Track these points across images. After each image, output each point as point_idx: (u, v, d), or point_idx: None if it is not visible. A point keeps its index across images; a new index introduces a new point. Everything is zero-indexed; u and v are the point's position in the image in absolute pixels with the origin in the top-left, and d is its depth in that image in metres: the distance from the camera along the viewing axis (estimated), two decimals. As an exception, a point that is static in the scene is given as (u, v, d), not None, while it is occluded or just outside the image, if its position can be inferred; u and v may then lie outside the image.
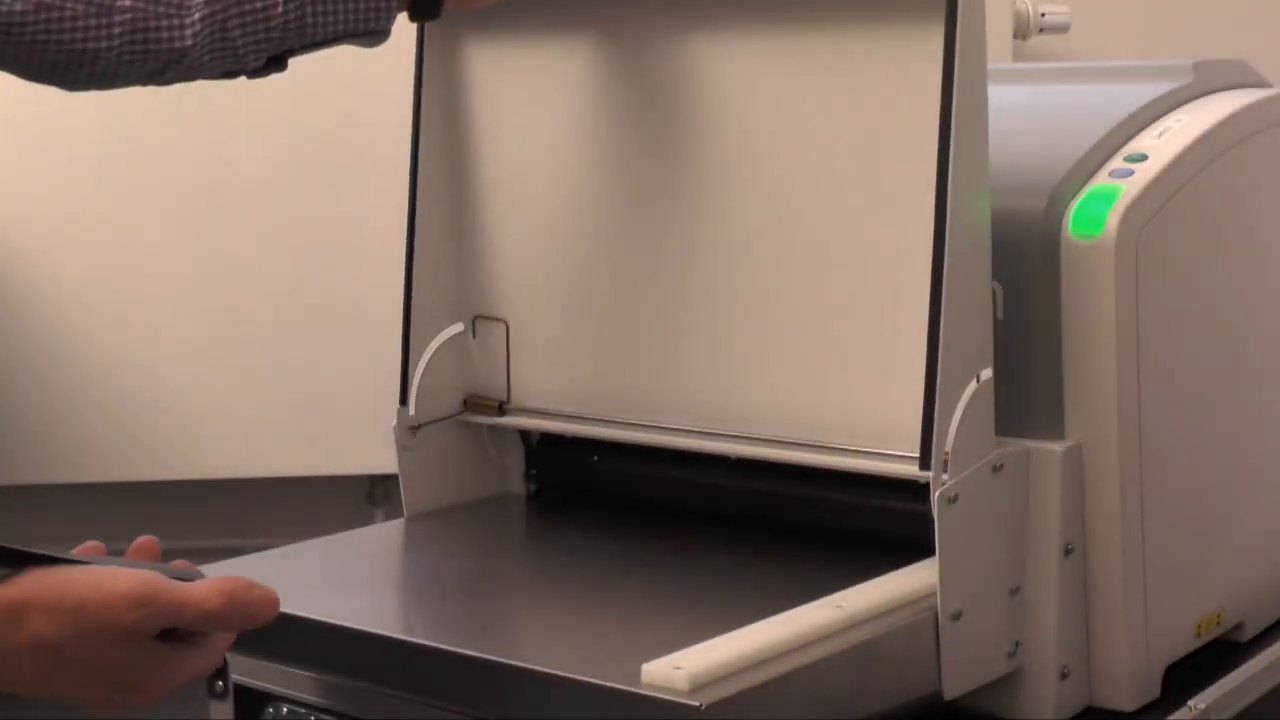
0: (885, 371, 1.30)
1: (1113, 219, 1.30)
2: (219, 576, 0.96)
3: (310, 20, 1.30)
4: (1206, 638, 1.45)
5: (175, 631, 0.95)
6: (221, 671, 1.05)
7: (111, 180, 3.27)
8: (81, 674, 0.93)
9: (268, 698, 1.35)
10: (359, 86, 3.30)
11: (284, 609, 1.21)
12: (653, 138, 1.44)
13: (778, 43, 1.37)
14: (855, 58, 1.33)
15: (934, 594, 1.20)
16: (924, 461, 1.21)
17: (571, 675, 1.08)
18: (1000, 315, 1.30)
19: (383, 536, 1.54)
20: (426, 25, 1.52)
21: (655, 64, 1.44)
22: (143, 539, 1.03)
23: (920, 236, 1.25)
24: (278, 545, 1.41)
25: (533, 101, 1.51)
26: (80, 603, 0.91)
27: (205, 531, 3.30)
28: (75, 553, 0.99)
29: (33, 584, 0.92)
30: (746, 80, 1.39)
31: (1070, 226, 1.31)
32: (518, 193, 1.53)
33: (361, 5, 1.31)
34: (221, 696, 1.08)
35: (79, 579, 0.92)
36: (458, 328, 1.55)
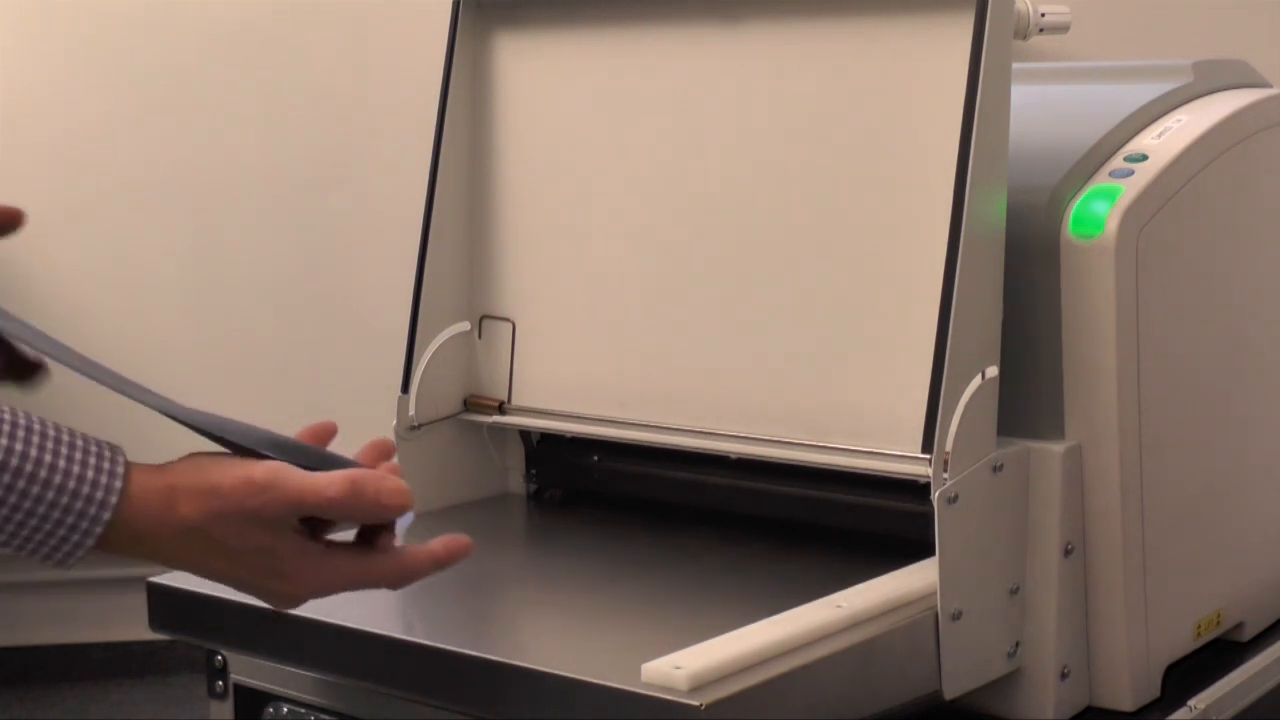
0: (886, 370, 1.31)
1: (1113, 219, 1.30)
2: (353, 469, 1.00)
3: None
4: (1206, 638, 1.45)
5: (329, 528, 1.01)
6: (221, 671, 1.06)
7: (111, 179, 3.27)
8: (229, 558, 0.98)
9: (268, 698, 1.35)
10: (362, 85, 3.31)
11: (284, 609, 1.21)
12: (668, 135, 1.44)
13: (795, 38, 1.37)
14: (872, 53, 1.33)
15: (934, 594, 1.20)
16: (926, 445, 1.21)
17: (571, 675, 1.08)
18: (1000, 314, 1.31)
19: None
20: (459, 19, 1.52)
21: (673, 61, 1.44)
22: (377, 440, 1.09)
23: (930, 233, 1.25)
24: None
25: (553, 99, 1.52)
26: (216, 486, 0.97)
27: (205, 531, 3.30)
28: (304, 433, 1.06)
29: (183, 469, 0.98)
30: (760, 76, 1.39)
31: (1070, 226, 1.31)
32: (533, 192, 1.53)
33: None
34: (221, 696, 1.08)
35: (222, 465, 0.98)
36: (463, 326, 1.56)
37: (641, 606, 1.30)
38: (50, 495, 0.93)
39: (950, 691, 1.22)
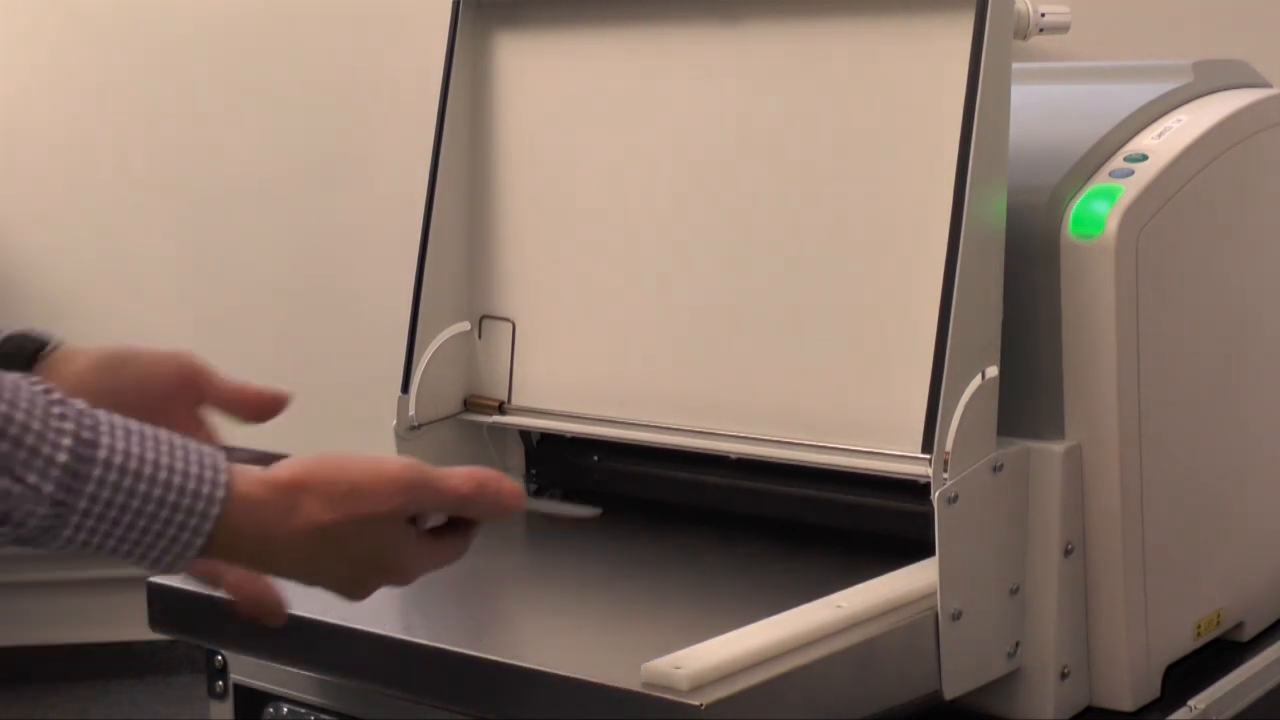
0: (886, 370, 1.31)
1: (1113, 219, 1.30)
2: (470, 466, 1.01)
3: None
4: (1206, 638, 1.45)
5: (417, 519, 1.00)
6: (221, 671, 1.06)
7: (110, 178, 3.27)
8: (344, 557, 0.97)
9: (268, 698, 1.35)
10: (362, 85, 3.31)
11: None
12: (668, 135, 1.45)
13: (795, 38, 1.38)
14: (872, 53, 1.33)
15: (934, 594, 1.20)
16: (926, 445, 1.21)
17: (571, 675, 1.08)
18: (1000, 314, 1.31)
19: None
20: (459, 19, 1.52)
21: (673, 61, 1.44)
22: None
23: (930, 233, 1.25)
24: (278, 545, 1.41)
25: (553, 99, 1.52)
26: (354, 486, 0.96)
27: (205, 531, 3.30)
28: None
29: (310, 465, 0.96)
30: (760, 76, 1.39)
31: (1070, 226, 1.31)
32: (533, 192, 1.53)
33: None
34: (221, 696, 1.08)
35: (352, 464, 0.97)
36: (463, 326, 1.56)
37: (641, 606, 1.30)
38: (158, 493, 0.90)
39: (950, 691, 1.22)
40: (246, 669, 1.36)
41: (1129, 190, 1.32)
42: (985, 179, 1.23)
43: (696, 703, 1.01)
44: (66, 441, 0.88)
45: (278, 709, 1.35)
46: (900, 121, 1.31)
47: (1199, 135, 1.38)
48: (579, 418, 1.49)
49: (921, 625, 1.20)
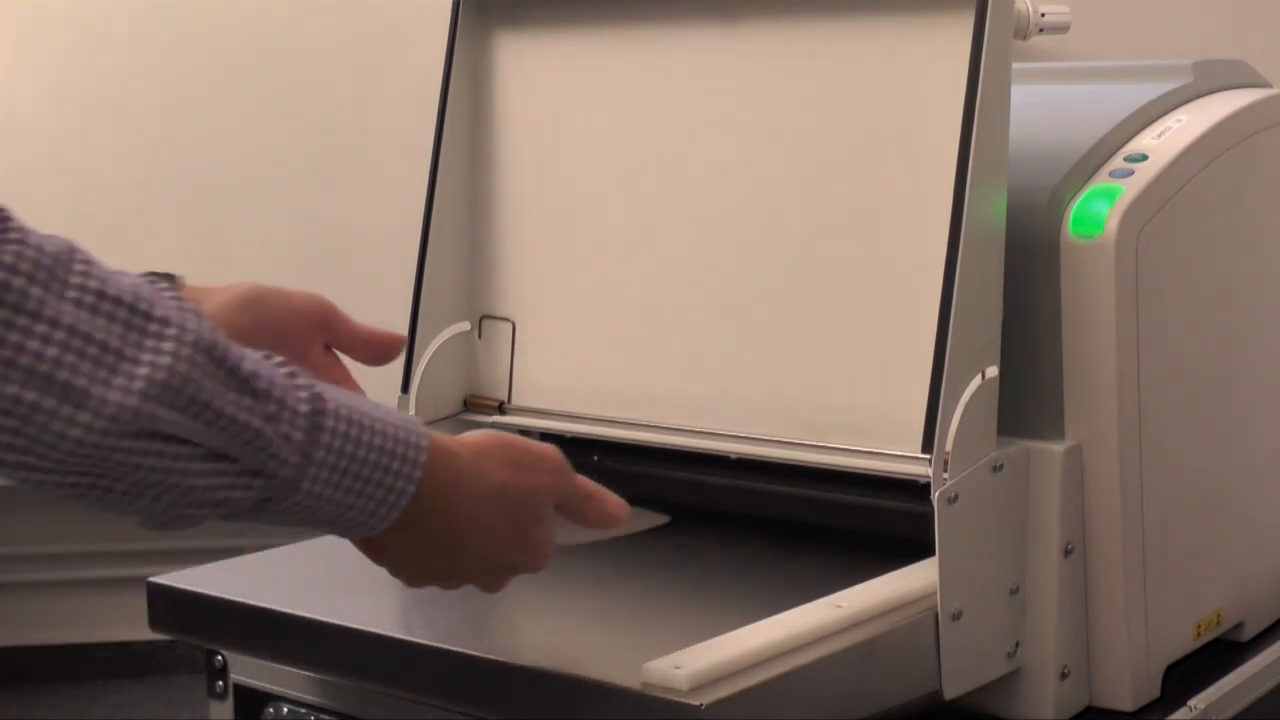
0: (886, 370, 1.31)
1: (1113, 219, 1.30)
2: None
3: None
4: (1206, 638, 1.45)
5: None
6: (221, 671, 1.06)
7: (110, 178, 3.27)
8: (510, 522, 1.03)
9: (268, 698, 1.35)
10: (362, 85, 3.31)
11: (284, 609, 1.22)
12: (668, 135, 1.45)
13: (795, 38, 1.38)
14: (872, 53, 1.33)
15: (934, 594, 1.20)
16: (926, 445, 1.21)
17: (572, 675, 1.08)
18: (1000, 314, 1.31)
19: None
20: (459, 19, 1.53)
21: (673, 61, 1.44)
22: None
23: (930, 233, 1.25)
24: (278, 545, 1.41)
25: (553, 99, 1.52)
26: (527, 452, 1.04)
27: (205, 531, 3.30)
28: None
29: (485, 434, 1.05)
30: (760, 76, 1.39)
31: (1070, 226, 1.31)
32: (533, 192, 1.53)
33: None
34: (221, 696, 1.08)
35: (518, 438, 1.06)
36: (463, 326, 1.56)
37: (641, 606, 1.30)
38: (378, 441, 0.94)
39: (950, 691, 1.22)
40: (246, 669, 1.36)
41: (1129, 190, 1.32)
42: (985, 179, 1.23)
43: (696, 703, 1.01)
44: (303, 394, 0.92)
45: (278, 709, 1.35)
46: (900, 121, 1.31)
47: (1199, 135, 1.38)
48: (579, 418, 1.49)
49: (921, 625, 1.20)
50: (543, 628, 1.30)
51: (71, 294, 0.84)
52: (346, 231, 3.35)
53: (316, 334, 1.17)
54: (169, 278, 1.10)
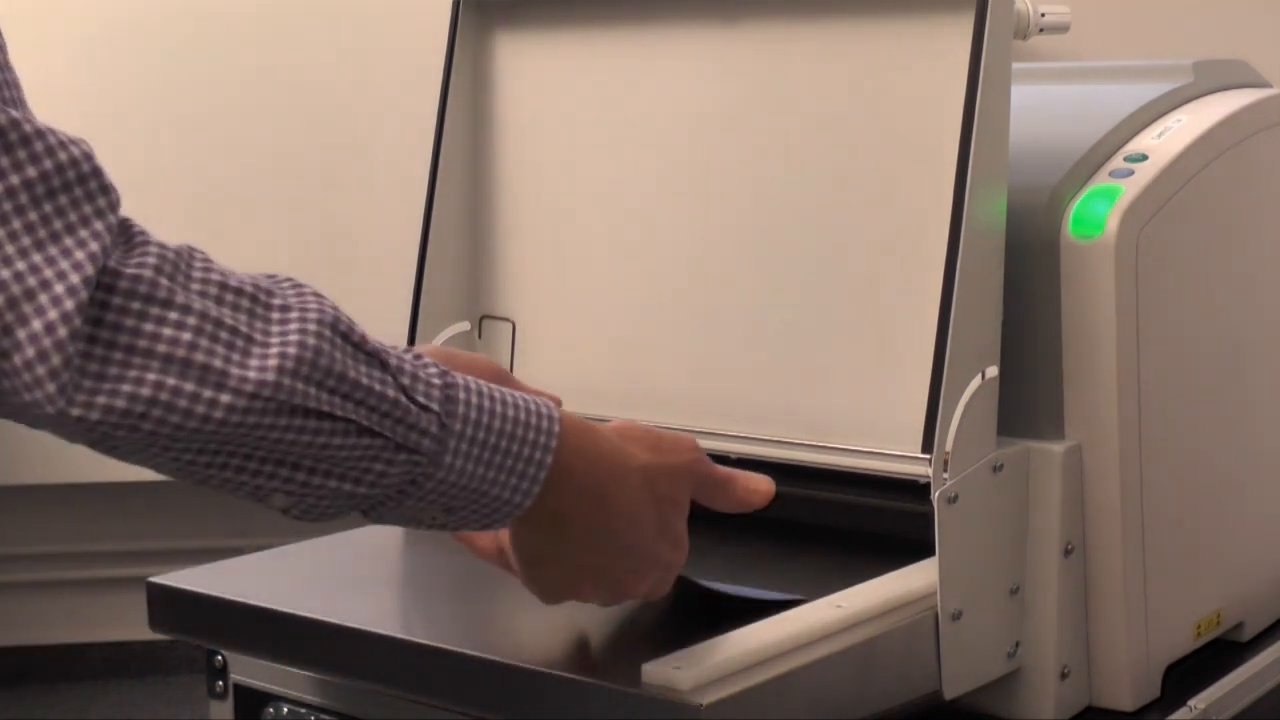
0: (886, 370, 1.31)
1: (1113, 219, 1.30)
2: None
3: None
4: (1206, 638, 1.45)
5: None
6: (221, 671, 1.07)
7: (111, 176, 3.27)
8: (658, 510, 1.03)
9: (268, 698, 1.35)
10: (362, 85, 3.31)
11: (284, 609, 1.22)
12: (668, 135, 1.44)
13: (795, 38, 1.37)
14: (872, 53, 1.33)
15: (934, 594, 1.20)
16: (926, 445, 1.21)
17: (571, 675, 1.08)
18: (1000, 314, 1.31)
19: (383, 536, 1.54)
20: (459, 20, 1.53)
21: (673, 61, 1.44)
22: None
23: (930, 233, 1.25)
24: (278, 545, 1.41)
25: (553, 99, 1.52)
26: (661, 438, 1.05)
27: (206, 531, 3.31)
28: None
29: (615, 423, 1.05)
30: (760, 76, 1.39)
31: (1070, 226, 1.31)
32: (533, 192, 1.53)
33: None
34: (221, 696, 1.08)
35: (648, 427, 1.07)
36: (463, 326, 1.56)
37: (641, 606, 1.30)
38: (510, 412, 0.96)
39: (950, 691, 1.22)
40: (246, 669, 1.36)
41: (1129, 190, 1.32)
42: (985, 179, 1.23)
43: (697, 703, 1.01)
44: (433, 370, 0.93)
45: (278, 709, 1.35)
46: (900, 121, 1.31)
47: (1199, 135, 1.38)
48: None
49: (921, 625, 1.20)
50: (543, 628, 1.30)
51: (196, 286, 0.86)
52: (346, 231, 3.35)
53: None
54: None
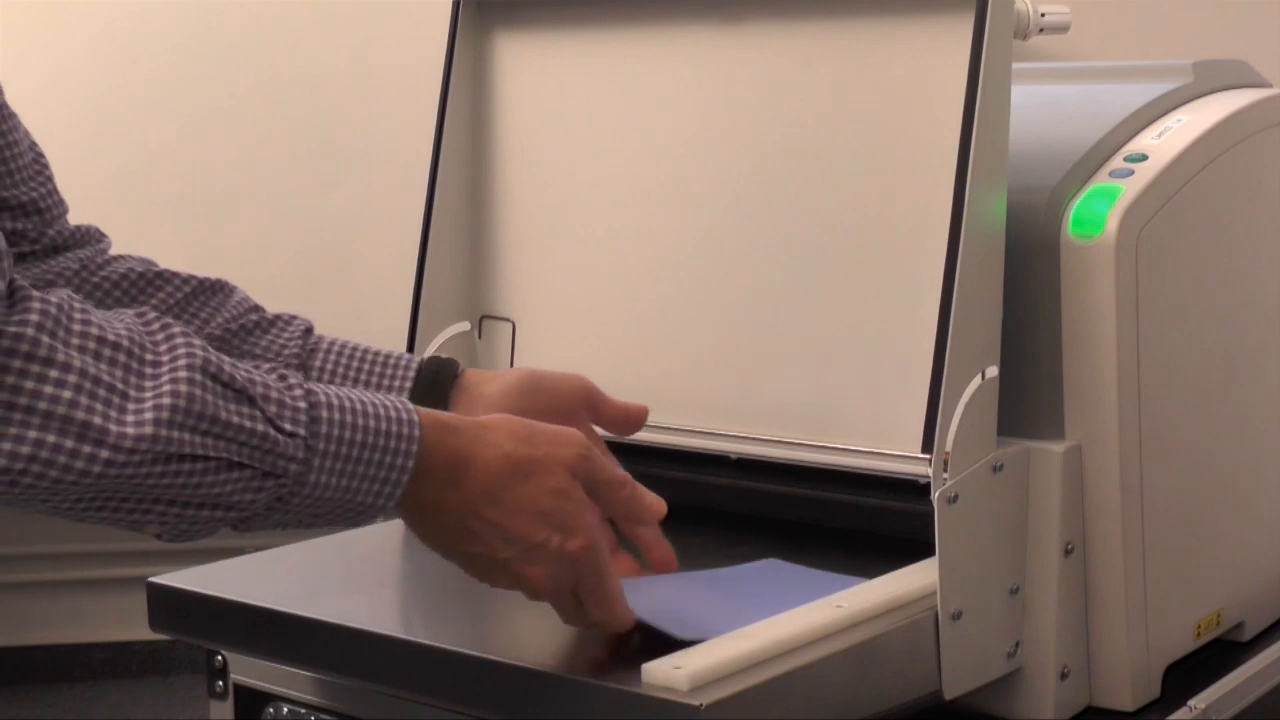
0: (886, 370, 1.31)
1: (1113, 219, 1.30)
2: None
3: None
4: (1206, 638, 1.45)
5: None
6: (221, 671, 1.07)
7: (109, 179, 3.27)
8: (530, 496, 1.04)
9: (268, 698, 1.35)
10: (362, 85, 3.31)
11: (284, 609, 1.22)
12: (668, 135, 1.45)
13: (795, 38, 1.38)
14: (872, 53, 1.33)
15: (934, 594, 1.20)
16: (926, 445, 1.21)
17: (571, 675, 1.08)
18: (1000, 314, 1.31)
19: (383, 536, 1.54)
20: (459, 19, 1.54)
21: (673, 61, 1.44)
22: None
23: (930, 233, 1.25)
24: (277, 545, 1.41)
25: (553, 99, 1.52)
26: (535, 430, 1.06)
27: (205, 531, 3.30)
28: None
29: (491, 415, 1.07)
30: (760, 76, 1.39)
31: (1070, 226, 1.31)
32: (533, 192, 1.53)
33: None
34: (221, 696, 1.09)
35: (530, 420, 1.08)
36: (463, 326, 1.56)
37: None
38: (371, 424, 0.98)
39: (950, 691, 1.22)
40: (246, 669, 1.36)
41: (1129, 190, 1.32)
42: (985, 179, 1.23)
43: (696, 703, 1.01)
44: (298, 392, 0.97)
45: (278, 709, 1.35)
46: (900, 121, 1.31)
47: (1199, 135, 1.38)
48: (579, 418, 1.48)
49: (921, 625, 1.20)
50: (543, 628, 1.30)
51: (75, 341, 0.89)
52: (346, 231, 3.35)
53: (583, 413, 1.28)
54: (449, 363, 1.28)
